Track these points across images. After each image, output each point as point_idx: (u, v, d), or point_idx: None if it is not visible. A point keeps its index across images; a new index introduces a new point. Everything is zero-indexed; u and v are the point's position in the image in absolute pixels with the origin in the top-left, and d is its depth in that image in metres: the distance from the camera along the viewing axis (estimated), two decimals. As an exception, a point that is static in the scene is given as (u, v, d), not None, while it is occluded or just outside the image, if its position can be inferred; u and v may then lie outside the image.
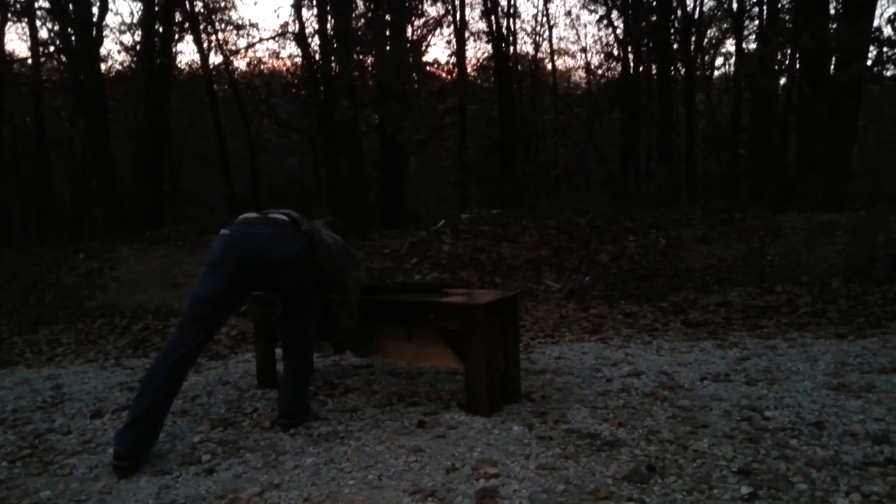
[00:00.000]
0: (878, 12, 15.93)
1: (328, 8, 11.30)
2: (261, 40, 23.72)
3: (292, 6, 13.49)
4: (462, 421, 2.93)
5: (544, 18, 22.38)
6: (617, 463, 2.43)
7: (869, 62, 9.08)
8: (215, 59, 16.07)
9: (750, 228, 7.07)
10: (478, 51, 17.80)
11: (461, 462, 2.50)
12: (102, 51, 13.54)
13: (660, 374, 3.59)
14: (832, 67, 8.89)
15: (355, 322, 3.15)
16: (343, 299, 3.09)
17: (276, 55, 16.51)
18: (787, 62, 10.78)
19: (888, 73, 10.71)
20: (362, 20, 11.41)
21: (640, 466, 2.39)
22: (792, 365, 3.67)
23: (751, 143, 13.77)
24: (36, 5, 12.64)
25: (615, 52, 16.61)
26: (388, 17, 11.25)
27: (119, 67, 16.40)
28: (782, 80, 11.71)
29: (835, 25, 8.70)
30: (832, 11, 9.53)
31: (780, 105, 13.23)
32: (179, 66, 15.87)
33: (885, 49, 9.34)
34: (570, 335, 4.86)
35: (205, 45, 15.12)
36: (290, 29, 14.84)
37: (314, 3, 12.04)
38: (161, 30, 12.73)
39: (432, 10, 14.46)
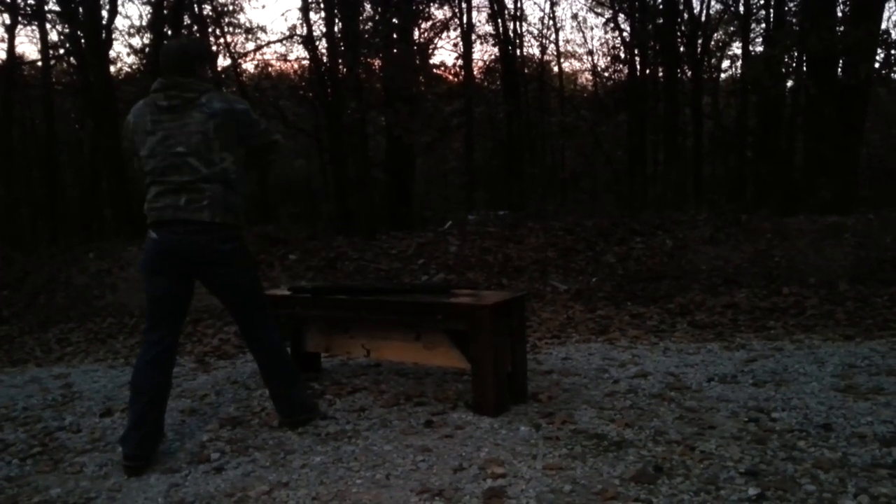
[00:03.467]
0: (885, 15, 15.91)
1: (336, 11, 11.35)
2: (269, 43, 23.88)
3: (300, 9, 13.54)
4: (469, 421, 2.94)
5: (551, 21, 22.51)
6: (624, 463, 2.44)
7: (877, 65, 9.05)
8: (223, 61, 16.18)
9: (757, 230, 7.05)
10: (484, 53, 17.91)
11: (468, 462, 2.51)
12: (112, 53, 13.65)
13: (667, 375, 3.59)
14: (839, 70, 8.87)
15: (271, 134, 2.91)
16: (265, 142, 2.87)
17: (284, 58, 16.59)
18: (793, 65, 10.75)
19: (896, 76, 10.67)
20: (370, 23, 11.46)
21: (647, 467, 2.39)
22: (799, 366, 3.66)
23: (758, 146, 13.73)
24: (46, 8, 12.76)
25: (622, 54, 16.62)
26: (395, 20, 11.29)
27: (128, 70, 16.53)
28: (789, 83, 11.68)
29: (842, 28, 8.67)
30: (839, 14, 9.52)
31: (787, 107, 13.18)
32: (188, 68, 15.92)
33: (892, 52, 9.33)
34: (577, 336, 4.86)
35: (213, 47, 15.21)
36: (298, 32, 14.90)
37: (322, 6, 12.09)
38: (170, 32, 12.79)
39: (439, 14, 14.50)
